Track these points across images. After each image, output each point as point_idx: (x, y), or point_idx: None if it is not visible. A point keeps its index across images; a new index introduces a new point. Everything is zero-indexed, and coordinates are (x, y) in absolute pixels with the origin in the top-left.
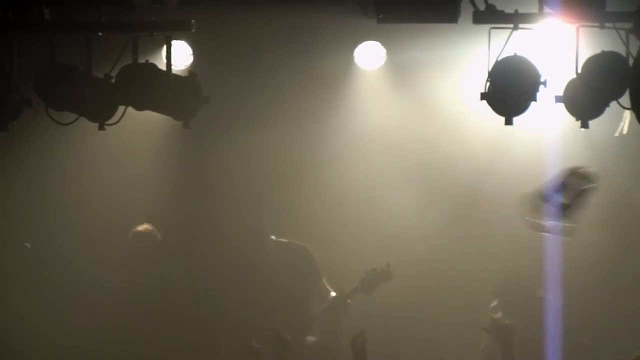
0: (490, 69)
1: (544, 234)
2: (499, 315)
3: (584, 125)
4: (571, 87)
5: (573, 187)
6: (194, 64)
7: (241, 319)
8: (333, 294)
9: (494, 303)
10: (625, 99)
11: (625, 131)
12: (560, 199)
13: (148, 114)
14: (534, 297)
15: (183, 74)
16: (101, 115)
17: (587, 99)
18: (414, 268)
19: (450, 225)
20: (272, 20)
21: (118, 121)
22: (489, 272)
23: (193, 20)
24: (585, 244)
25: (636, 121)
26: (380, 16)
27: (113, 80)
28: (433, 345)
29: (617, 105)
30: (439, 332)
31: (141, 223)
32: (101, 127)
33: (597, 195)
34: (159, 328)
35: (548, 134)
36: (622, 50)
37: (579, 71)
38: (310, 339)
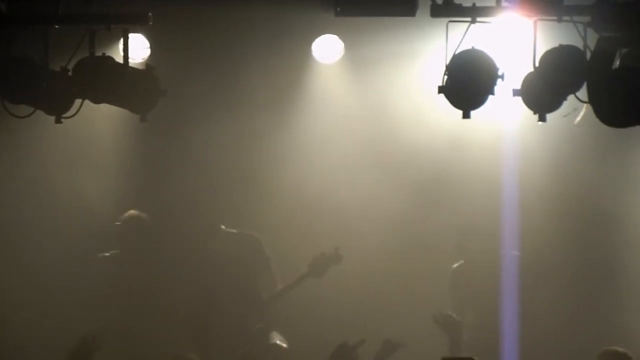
0: (448, 62)
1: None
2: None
3: (542, 118)
4: (529, 80)
5: None
6: (151, 57)
7: (190, 307)
8: (280, 284)
9: (455, 265)
10: (583, 93)
11: (576, 122)
12: None
13: (106, 107)
14: (488, 290)
15: (140, 67)
16: (58, 108)
17: (544, 93)
18: (371, 257)
19: (409, 217)
20: (230, 13)
21: (75, 114)
22: (446, 262)
23: (150, 13)
24: (542, 237)
25: (593, 114)
26: (338, 9)
27: (70, 73)
28: (384, 328)
29: (575, 99)
30: (390, 315)
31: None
32: (58, 120)
33: (553, 189)
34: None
35: (506, 127)
36: (579, 44)
37: (537, 65)
38: (259, 326)
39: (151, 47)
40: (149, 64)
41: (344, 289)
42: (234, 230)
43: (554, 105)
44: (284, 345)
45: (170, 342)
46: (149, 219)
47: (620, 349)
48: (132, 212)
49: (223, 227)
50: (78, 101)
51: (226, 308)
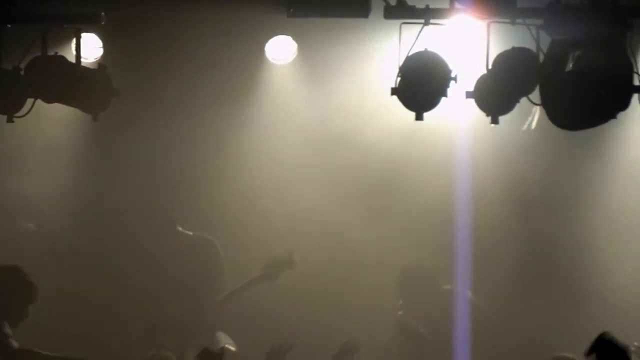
0: (401, 64)
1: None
2: (412, 322)
3: (494, 120)
4: (481, 82)
5: None
6: (104, 56)
7: (141, 308)
8: (232, 287)
9: (400, 302)
10: (536, 95)
11: (533, 126)
12: None
13: (58, 106)
14: (440, 290)
15: (93, 67)
16: (10, 107)
17: (497, 95)
18: (324, 259)
19: (362, 218)
20: (182, 13)
21: (27, 113)
22: (395, 265)
23: (103, 13)
24: (494, 238)
25: (546, 117)
26: (291, 10)
27: (22, 73)
28: (340, 331)
29: (528, 101)
30: (345, 319)
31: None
32: (9, 120)
33: (506, 190)
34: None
35: (458, 129)
36: (532, 47)
37: (490, 67)
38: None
39: (104, 47)
40: (102, 63)
41: (296, 293)
42: (190, 232)
43: (506, 107)
44: (232, 348)
45: (122, 342)
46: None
47: (569, 355)
48: None
49: (180, 228)
50: (30, 100)
51: (177, 308)
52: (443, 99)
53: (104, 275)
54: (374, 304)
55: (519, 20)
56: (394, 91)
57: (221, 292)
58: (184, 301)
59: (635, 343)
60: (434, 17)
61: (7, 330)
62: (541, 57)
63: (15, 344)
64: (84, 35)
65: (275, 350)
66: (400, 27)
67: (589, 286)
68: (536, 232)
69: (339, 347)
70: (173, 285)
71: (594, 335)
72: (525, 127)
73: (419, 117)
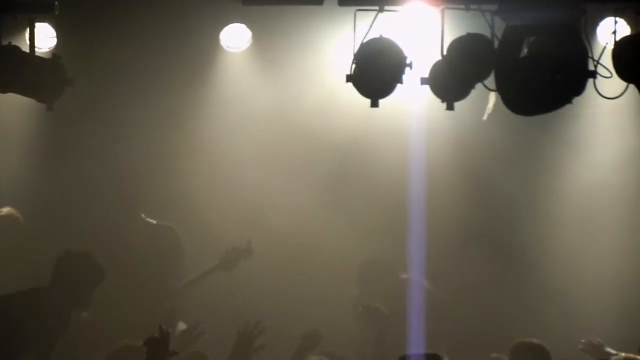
0: (356, 51)
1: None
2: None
3: (449, 107)
4: (436, 69)
5: None
6: (57, 46)
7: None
8: (191, 275)
9: (356, 292)
10: (491, 81)
11: (489, 112)
12: None
13: (12, 96)
14: (398, 280)
15: (47, 56)
16: None
17: (452, 81)
18: (282, 248)
19: (319, 205)
20: (138, 2)
21: None
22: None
23: (56, 2)
24: (451, 227)
25: (500, 102)
26: None
27: None
28: (298, 320)
29: (483, 87)
30: (304, 308)
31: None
32: None
33: (461, 176)
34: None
35: (414, 116)
36: (487, 32)
37: (444, 53)
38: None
39: (57, 36)
40: (55, 53)
41: (254, 282)
42: (153, 221)
43: (461, 93)
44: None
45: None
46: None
47: (535, 341)
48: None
49: (143, 215)
50: None
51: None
52: (398, 85)
53: None
54: (332, 291)
55: (473, 6)
56: (349, 78)
57: (181, 279)
58: (145, 288)
59: (593, 339)
60: (388, 4)
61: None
62: (496, 43)
63: None
64: (37, 25)
65: (247, 331)
66: (354, 14)
67: (546, 272)
68: (493, 217)
69: (299, 341)
70: (134, 272)
71: (551, 324)
72: (485, 116)
73: (374, 104)
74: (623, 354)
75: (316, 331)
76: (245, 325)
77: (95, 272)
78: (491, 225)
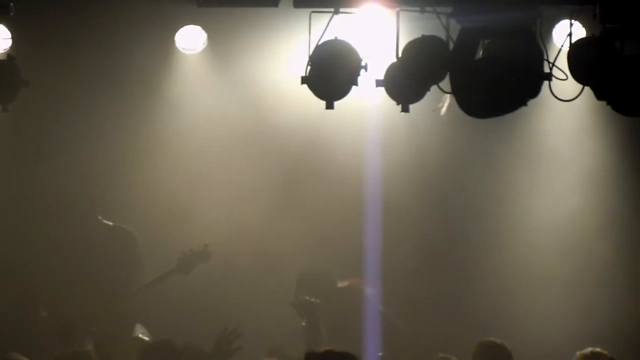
0: (311, 53)
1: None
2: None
3: (405, 109)
4: (392, 71)
5: None
6: (12, 47)
7: (59, 297)
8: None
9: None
10: (446, 83)
11: (442, 114)
12: None
13: None
14: (336, 291)
15: (2, 58)
16: None
17: (407, 83)
18: (238, 251)
19: (274, 207)
20: (93, 4)
21: None
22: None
23: (12, 4)
24: (405, 228)
25: (455, 104)
26: (201, 0)
27: None
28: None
29: (438, 90)
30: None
31: None
32: None
33: (416, 179)
34: None
35: (369, 118)
36: (442, 35)
37: (399, 55)
38: (124, 320)
39: (13, 38)
40: (10, 54)
41: (211, 285)
42: (110, 223)
43: (417, 96)
44: (147, 338)
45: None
46: None
47: (497, 340)
48: None
49: (100, 217)
50: None
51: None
52: (353, 87)
53: (19, 265)
54: (284, 295)
55: (429, 9)
56: (304, 80)
57: (139, 282)
58: (102, 290)
59: None
60: (343, 6)
61: None
62: (451, 45)
63: None
64: None
65: (225, 335)
66: (310, 15)
67: (503, 275)
68: (449, 222)
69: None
70: (91, 274)
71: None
72: (433, 110)
73: (329, 106)
74: (589, 349)
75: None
76: (222, 331)
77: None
78: (444, 227)
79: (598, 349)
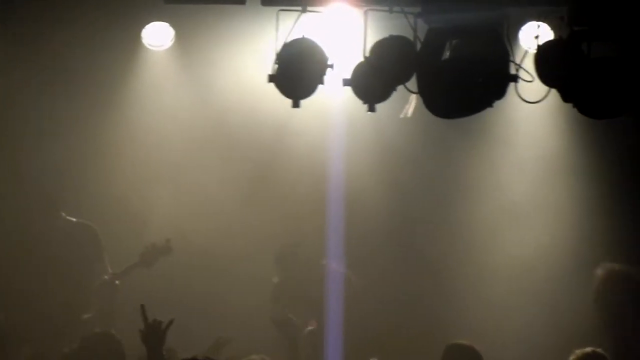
0: (278, 51)
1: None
2: (285, 311)
3: (371, 108)
4: (358, 70)
5: None
6: None
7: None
8: (110, 271)
9: (275, 279)
10: (412, 83)
11: (409, 114)
12: None
13: None
14: (317, 265)
15: None
16: None
17: (374, 83)
18: (201, 245)
19: (240, 203)
20: (57, 2)
21: None
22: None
23: None
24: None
25: (422, 105)
26: None
27: None
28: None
29: (405, 89)
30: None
31: None
32: None
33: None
34: None
35: (335, 117)
36: (410, 35)
37: (367, 55)
38: (86, 316)
39: None
40: None
41: (173, 280)
42: (73, 219)
43: (383, 95)
44: (112, 331)
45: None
46: None
47: (465, 342)
48: None
49: (63, 214)
50: None
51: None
52: (320, 86)
53: None
54: (252, 289)
55: (396, 9)
56: (271, 78)
57: (102, 276)
58: (65, 286)
59: None
60: (311, 5)
61: None
62: (418, 46)
63: None
64: None
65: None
66: (277, 14)
67: (461, 266)
68: (415, 221)
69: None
70: (54, 269)
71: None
72: (402, 115)
73: (295, 105)
74: (589, 348)
75: (224, 338)
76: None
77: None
78: (411, 226)
79: (599, 350)
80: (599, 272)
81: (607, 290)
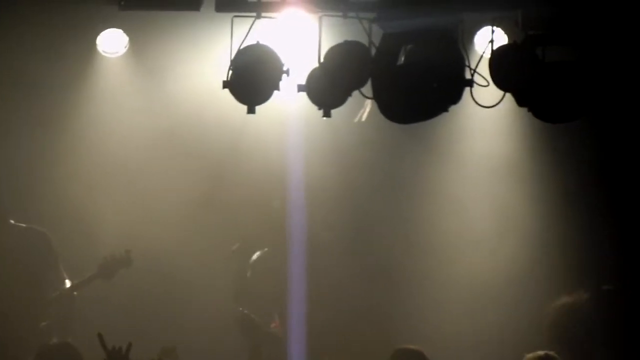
0: (232, 57)
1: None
2: (246, 311)
3: (326, 114)
4: (313, 76)
5: None
6: None
7: None
8: (68, 282)
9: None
10: (367, 89)
11: (364, 119)
12: None
13: None
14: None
15: None
16: None
17: (329, 88)
18: (159, 256)
19: (195, 213)
20: (13, 5)
21: None
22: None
23: None
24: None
25: (377, 110)
26: (122, 3)
27: None
28: (175, 331)
29: (360, 95)
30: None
31: None
32: None
33: (338, 183)
34: None
35: (291, 123)
36: (365, 40)
37: (321, 60)
38: (44, 324)
39: None
40: None
41: (133, 291)
42: (23, 225)
43: (338, 100)
44: (69, 341)
45: None
46: None
47: (413, 347)
48: None
49: (12, 221)
50: None
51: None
52: (275, 92)
53: None
54: (211, 293)
55: (351, 14)
56: (226, 84)
57: (57, 286)
58: (17, 296)
59: None
60: (265, 10)
61: None
62: (373, 51)
63: None
64: None
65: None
66: (232, 20)
67: (417, 271)
68: (372, 226)
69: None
70: (5, 279)
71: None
72: (356, 119)
73: (250, 111)
74: (541, 352)
75: (172, 347)
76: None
77: None
78: (367, 231)
79: (552, 353)
80: (549, 310)
81: (558, 326)
